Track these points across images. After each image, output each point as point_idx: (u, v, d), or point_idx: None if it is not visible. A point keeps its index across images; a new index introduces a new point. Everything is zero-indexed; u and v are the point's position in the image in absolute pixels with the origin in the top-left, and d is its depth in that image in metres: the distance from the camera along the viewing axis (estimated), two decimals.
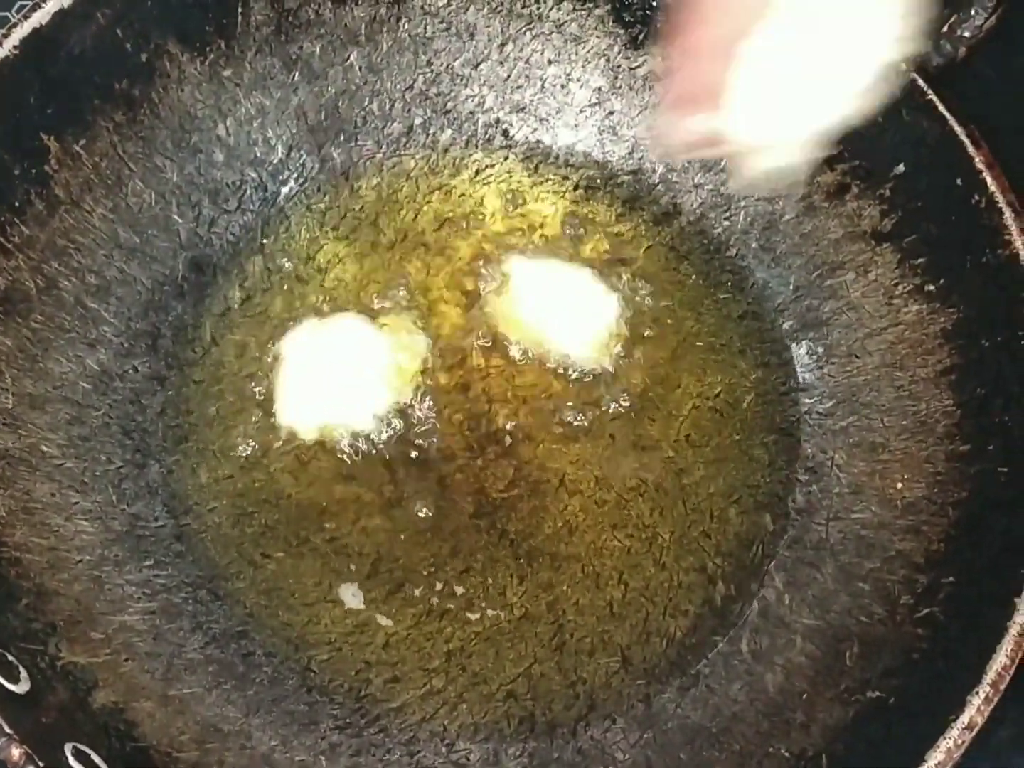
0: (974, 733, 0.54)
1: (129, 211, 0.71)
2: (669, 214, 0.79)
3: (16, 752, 0.50)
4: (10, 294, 0.65)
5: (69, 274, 0.68)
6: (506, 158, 0.80)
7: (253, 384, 0.71)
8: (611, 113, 0.80)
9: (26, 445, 0.64)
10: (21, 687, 0.54)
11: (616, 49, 0.78)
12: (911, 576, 0.64)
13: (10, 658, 0.54)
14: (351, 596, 0.66)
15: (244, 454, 0.69)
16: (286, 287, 0.74)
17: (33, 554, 0.61)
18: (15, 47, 0.64)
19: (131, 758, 0.56)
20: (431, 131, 0.79)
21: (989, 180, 0.65)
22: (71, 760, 0.52)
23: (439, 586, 0.67)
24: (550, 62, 0.79)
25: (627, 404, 0.72)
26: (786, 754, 0.61)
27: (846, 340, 0.72)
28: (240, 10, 0.72)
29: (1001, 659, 0.55)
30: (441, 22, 0.77)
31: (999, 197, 0.65)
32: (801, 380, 0.74)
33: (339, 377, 0.70)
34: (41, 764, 0.50)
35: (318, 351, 0.71)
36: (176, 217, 0.73)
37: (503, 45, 0.79)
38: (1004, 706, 0.55)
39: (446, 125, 0.79)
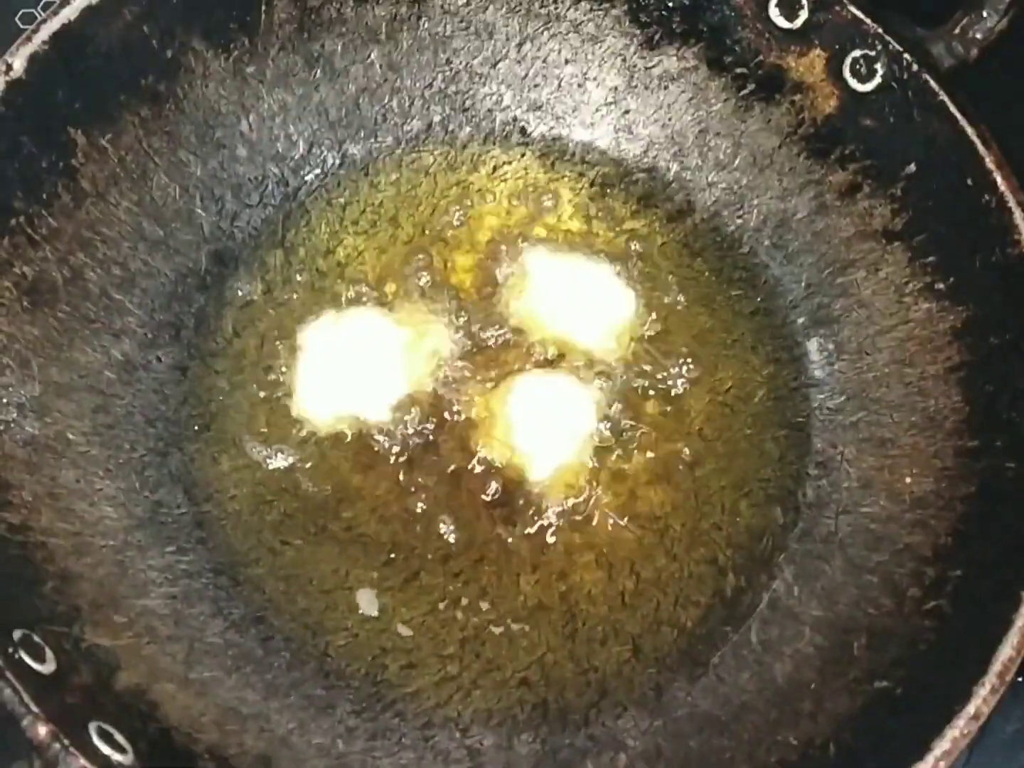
0: (980, 723, 0.55)
1: (154, 204, 0.72)
2: (683, 211, 0.80)
3: (43, 730, 0.51)
4: (37, 284, 0.66)
5: (95, 265, 0.69)
6: (523, 155, 0.81)
7: (273, 375, 0.72)
8: (627, 112, 0.81)
9: (52, 432, 0.65)
10: (47, 667, 0.55)
11: (632, 49, 0.79)
12: (919, 569, 0.64)
13: (36, 639, 0.55)
14: (367, 603, 0.67)
15: (264, 443, 0.70)
16: (306, 280, 0.75)
17: (58, 538, 0.62)
18: (44, 42, 0.65)
19: (153, 738, 0.57)
20: (450, 128, 0.80)
21: (999, 180, 0.66)
22: (95, 738, 0.53)
23: (454, 574, 0.68)
24: (567, 61, 0.80)
25: (640, 397, 0.73)
26: (794, 742, 0.61)
27: (857, 337, 0.73)
28: (264, 8, 0.73)
29: (1007, 651, 0.56)
30: (460, 21, 0.78)
31: (1009, 197, 0.65)
32: (812, 376, 0.74)
33: (358, 368, 0.71)
34: (66, 742, 0.51)
35: (337, 343, 0.72)
36: (199, 211, 0.74)
37: (521, 44, 0.80)
38: (1010, 702, 0.56)
39: (464, 122, 0.81)
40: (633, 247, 0.78)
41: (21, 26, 0.87)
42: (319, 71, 0.77)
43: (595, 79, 0.80)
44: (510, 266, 0.76)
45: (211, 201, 0.75)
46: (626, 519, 0.70)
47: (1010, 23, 0.69)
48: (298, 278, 0.75)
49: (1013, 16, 0.68)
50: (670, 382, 0.73)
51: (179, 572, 0.66)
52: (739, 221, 0.78)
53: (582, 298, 0.75)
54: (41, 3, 0.88)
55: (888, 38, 0.70)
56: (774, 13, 0.73)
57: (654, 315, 0.75)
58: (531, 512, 0.69)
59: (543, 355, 0.73)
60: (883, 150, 0.72)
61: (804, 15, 0.72)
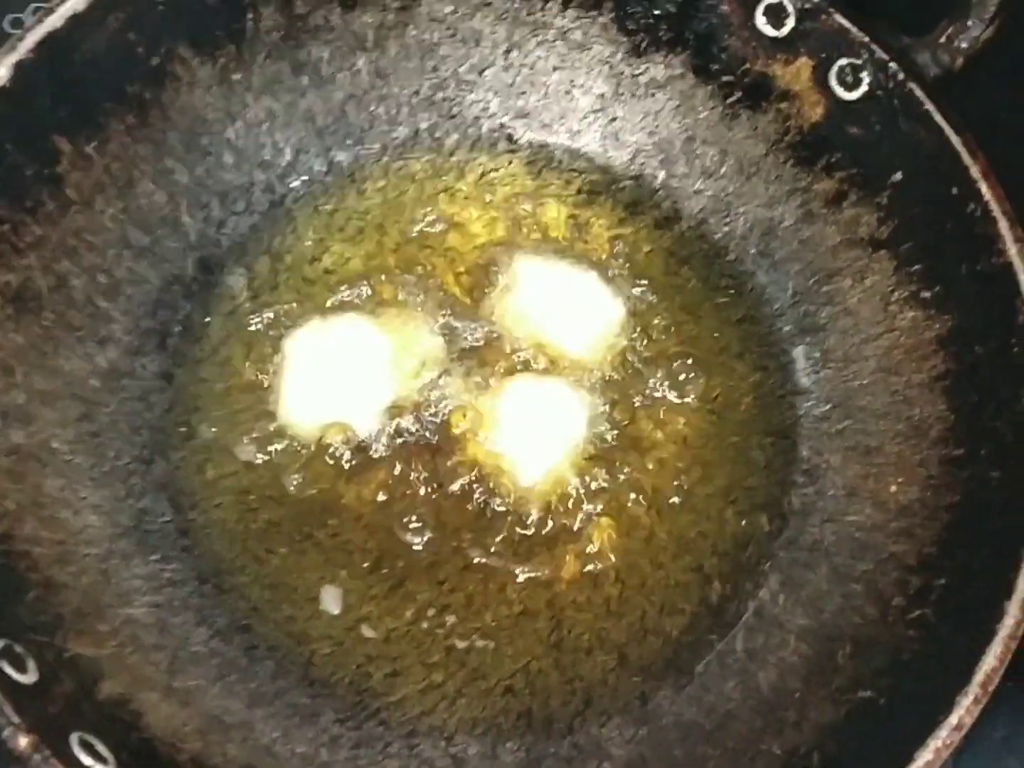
0: (963, 733, 0.55)
1: (139, 212, 0.72)
2: (670, 219, 0.80)
3: (24, 741, 0.51)
4: (22, 292, 0.66)
5: (80, 273, 0.69)
6: (510, 162, 0.81)
7: (259, 382, 0.72)
8: (614, 119, 0.81)
9: (36, 441, 0.65)
10: (29, 677, 0.54)
11: (619, 56, 0.79)
12: (903, 578, 0.64)
13: (18, 649, 0.55)
14: (331, 600, 0.67)
15: (249, 451, 0.70)
16: (293, 287, 0.75)
17: (42, 547, 0.62)
18: (30, 50, 0.65)
19: (136, 748, 0.57)
20: (436, 135, 0.80)
21: (985, 189, 0.66)
22: (77, 749, 0.53)
23: (439, 582, 0.68)
24: (554, 69, 0.80)
25: (626, 405, 0.73)
26: (778, 752, 0.61)
27: (843, 345, 0.73)
28: (250, 15, 0.73)
29: (990, 661, 0.56)
30: (447, 28, 0.79)
31: (994, 206, 0.66)
32: (798, 384, 0.75)
33: (344, 376, 0.71)
34: (47, 752, 0.51)
35: (324, 350, 0.72)
36: (185, 218, 0.74)
37: (508, 52, 0.80)
38: (997, 708, 0.56)
39: (451, 129, 0.81)
40: (620, 254, 0.78)
41: (10, 31, 0.87)
42: (306, 78, 0.77)
43: (582, 86, 0.80)
44: (497, 273, 0.76)
45: (197, 208, 0.75)
46: (612, 527, 0.70)
47: (996, 32, 0.69)
48: (284, 285, 0.75)
49: (999, 25, 0.68)
50: (656, 390, 0.73)
51: (163, 581, 0.66)
52: (726, 229, 0.79)
53: (569, 305, 0.75)
54: (29, 8, 0.88)
55: (874, 47, 0.70)
56: (760, 21, 0.73)
57: (641, 322, 0.75)
58: (517, 520, 0.69)
59: (530, 362, 0.73)
60: (869, 158, 0.72)
61: (791, 23, 0.72)
